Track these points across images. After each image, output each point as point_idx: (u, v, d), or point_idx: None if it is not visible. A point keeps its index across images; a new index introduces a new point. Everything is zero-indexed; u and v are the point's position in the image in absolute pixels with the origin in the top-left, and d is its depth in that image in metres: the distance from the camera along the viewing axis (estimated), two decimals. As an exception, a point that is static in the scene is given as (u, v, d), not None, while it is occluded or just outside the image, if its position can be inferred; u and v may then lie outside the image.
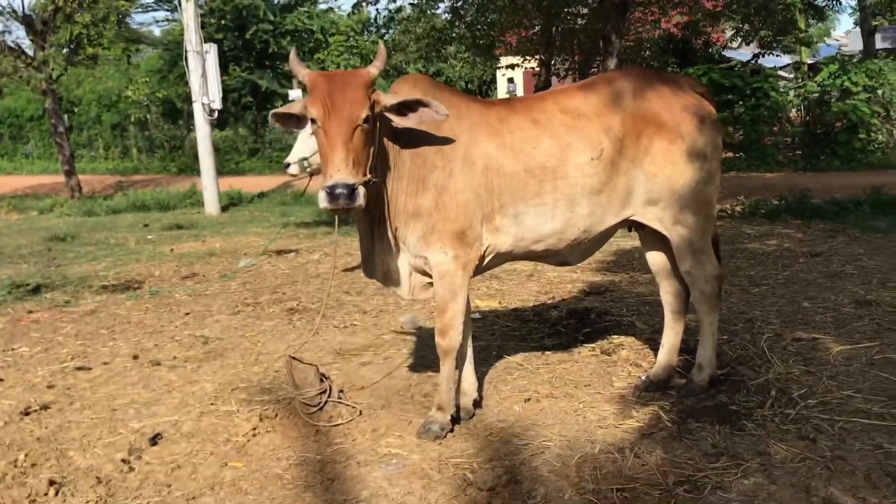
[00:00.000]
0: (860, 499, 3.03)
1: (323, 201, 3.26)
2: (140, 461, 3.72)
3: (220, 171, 18.98)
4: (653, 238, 4.26)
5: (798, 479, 3.23)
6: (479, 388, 4.31)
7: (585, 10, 19.03)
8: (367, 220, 3.73)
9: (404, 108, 3.49)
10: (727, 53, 23.76)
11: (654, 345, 4.77)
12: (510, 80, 32.25)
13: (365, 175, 3.35)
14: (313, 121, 3.37)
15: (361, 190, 3.27)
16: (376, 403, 4.33)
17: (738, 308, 5.83)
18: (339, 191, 3.21)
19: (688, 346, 4.70)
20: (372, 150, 3.43)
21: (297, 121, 3.56)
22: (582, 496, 3.20)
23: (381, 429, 4.00)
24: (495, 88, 34.63)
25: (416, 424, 3.99)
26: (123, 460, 3.70)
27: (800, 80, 18.74)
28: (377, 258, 3.81)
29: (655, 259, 4.37)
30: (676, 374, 4.43)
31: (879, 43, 23.09)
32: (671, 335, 4.40)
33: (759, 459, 3.42)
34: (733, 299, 6.10)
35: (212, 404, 4.42)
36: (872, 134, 16.70)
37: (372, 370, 4.90)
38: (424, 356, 5.03)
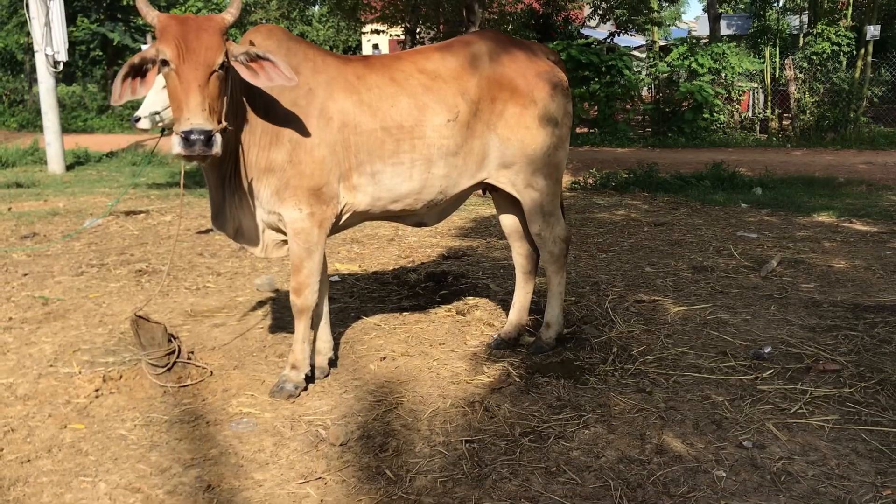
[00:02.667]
0: (688, 444, 3.26)
1: (177, 146, 3.12)
2: (-32, 426, 3.49)
3: (66, 128, 17.89)
4: (506, 201, 4.38)
5: (634, 428, 3.44)
6: (336, 348, 4.32)
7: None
8: (218, 174, 3.61)
9: (253, 61, 3.35)
10: (585, 31, 24.51)
11: (506, 306, 4.91)
12: (375, 47, 31.99)
13: (220, 122, 3.24)
14: (165, 62, 3.17)
15: (218, 137, 3.17)
16: (228, 364, 4.25)
17: (585, 272, 6.10)
18: (194, 136, 3.08)
19: (538, 307, 4.88)
20: (225, 99, 3.31)
21: (140, 74, 3.34)
22: (432, 448, 3.28)
23: (233, 389, 3.93)
24: (360, 54, 34.25)
25: (269, 384, 3.94)
26: (-51, 425, 3.46)
27: (651, 60, 19.62)
28: (228, 213, 3.70)
29: (508, 221, 4.50)
30: (526, 332, 4.59)
31: (724, 29, 24.48)
32: (521, 295, 4.56)
33: (600, 411, 3.61)
34: (582, 264, 6.37)
35: (51, 366, 4.19)
36: (715, 114, 17.76)
37: (225, 332, 4.79)
38: (280, 318, 4.97)
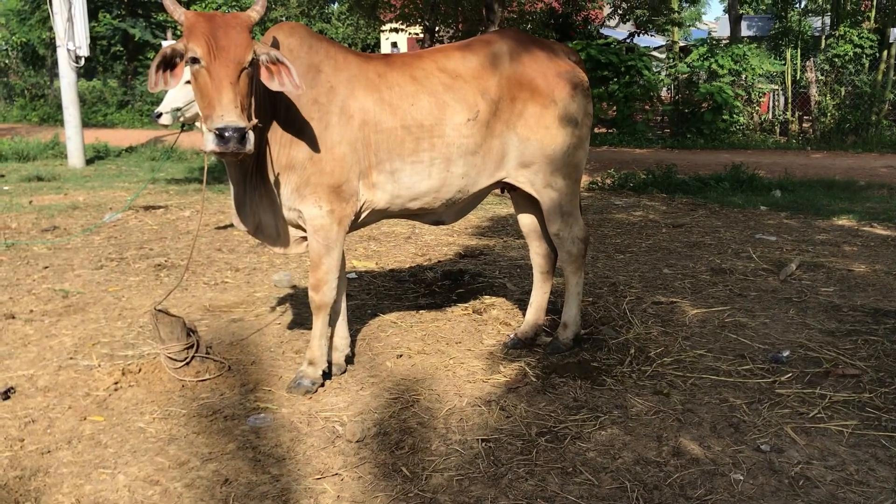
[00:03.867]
0: (706, 447, 3.25)
1: (211, 144, 3.12)
2: (-10, 416, 3.53)
3: (87, 122, 18.06)
4: (524, 201, 4.38)
5: (651, 430, 3.43)
6: (352, 345, 4.33)
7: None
8: (240, 170, 3.63)
9: (273, 63, 3.35)
10: (605, 31, 24.43)
11: (523, 305, 4.91)
12: (394, 45, 32.00)
13: (251, 119, 3.25)
14: (195, 60, 3.18)
15: (251, 134, 3.18)
16: (246, 359, 4.27)
17: (603, 273, 6.08)
18: (229, 133, 3.08)
19: (555, 307, 4.88)
20: (253, 98, 3.33)
21: (171, 66, 3.35)
22: (448, 446, 3.29)
23: (251, 384, 3.95)
24: (380, 53, 34.31)
25: (286, 380, 3.96)
26: (-29, 415, 3.50)
27: (671, 61, 19.53)
28: (249, 209, 3.72)
29: (526, 221, 4.50)
30: (543, 332, 4.58)
31: (745, 30, 24.35)
32: (539, 295, 4.55)
33: (617, 412, 3.60)
34: (599, 265, 6.36)
35: (71, 358, 4.23)
36: (735, 115, 17.65)
37: (242, 327, 4.82)
38: (298, 314, 4.99)
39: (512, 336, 4.55)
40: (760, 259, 6.43)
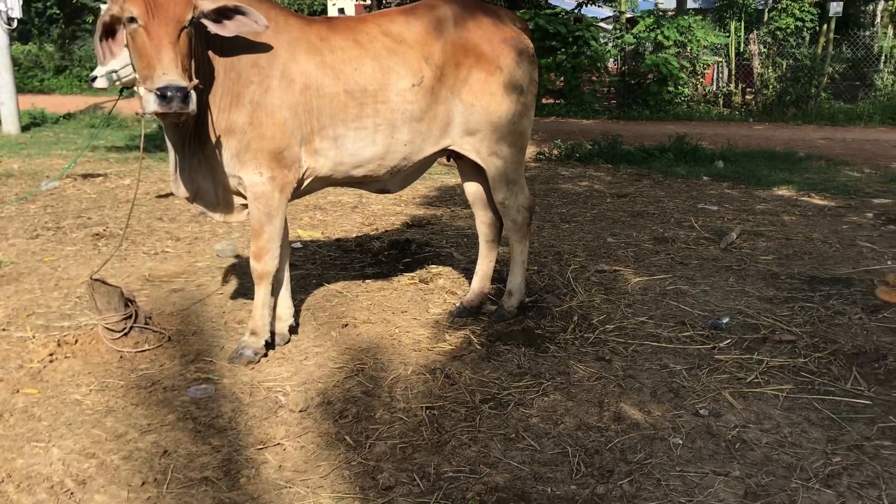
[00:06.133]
0: (646, 412, 3.30)
1: (152, 104, 3.04)
2: (-84, 390, 3.41)
3: (22, 88, 17.44)
4: (470, 169, 4.35)
5: (593, 395, 3.47)
6: (297, 315, 4.28)
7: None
8: (179, 135, 3.52)
9: (221, 15, 3.30)
10: (553, 1, 24.37)
11: (469, 274, 4.91)
12: (341, 11, 31.51)
13: (192, 80, 3.17)
14: (132, 20, 3.09)
15: (194, 95, 3.11)
16: (187, 330, 4.20)
17: (548, 242, 6.12)
18: (171, 93, 3.00)
19: (501, 276, 4.89)
20: (192, 59, 3.24)
21: (111, 35, 3.27)
22: (392, 414, 3.28)
23: (191, 355, 3.88)
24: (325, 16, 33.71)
25: (228, 350, 3.91)
26: None
27: (618, 32, 19.58)
28: (187, 175, 3.63)
29: (472, 189, 4.48)
30: (489, 300, 4.60)
31: (691, 2, 24.50)
32: (484, 263, 4.56)
33: (560, 378, 3.64)
34: (545, 234, 6.39)
35: (3, 330, 4.11)
36: (680, 87, 17.83)
37: (183, 297, 4.73)
38: (241, 284, 4.92)
39: (458, 304, 4.55)
40: (702, 228, 6.54)
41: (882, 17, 18.71)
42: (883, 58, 17.10)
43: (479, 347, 4.00)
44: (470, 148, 4.07)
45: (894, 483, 2.75)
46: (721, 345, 4.00)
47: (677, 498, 2.68)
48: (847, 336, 4.09)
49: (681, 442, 3.04)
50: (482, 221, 4.54)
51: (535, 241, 5.99)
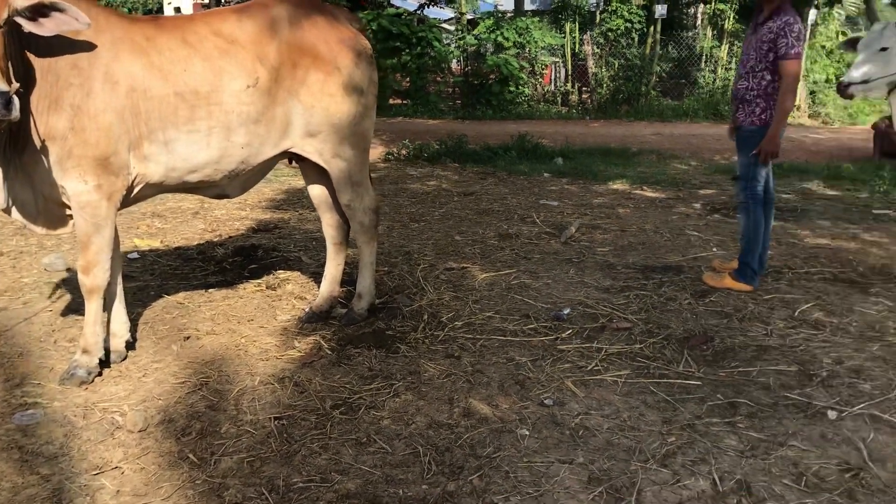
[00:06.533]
0: (494, 406, 3.37)
1: None
2: None
3: None
4: (313, 171, 4.29)
5: (443, 393, 3.50)
6: (134, 329, 4.07)
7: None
8: (-7, 142, 3.25)
9: (37, 12, 3.07)
10: (395, 2, 24.49)
11: (319, 278, 4.84)
12: (177, 10, 30.27)
13: (13, 83, 2.93)
14: None
15: (16, 100, 2.89)
16: (11, 351, 3.89)
17: (398, 242, 6.13)
18: None
19: (351, 278, 4.84)
20: (10, 61, 3.00)
21: None
22: (239, 428, 3.18)
23: (17, 378, 3.61)
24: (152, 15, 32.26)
25: (59, 371, 3.65)
26: None
27: (460, 33, 19.93)
28: (4, 185, 3.35)
29: (317, 192, 4.41)
30: (338, 304, 4.55)
31: (528, 4, 25.29)
32: (333, 267, 4.50)
33: (410, 378, 3.65)
34: (394, 234, 6.40)
35: None
36: (521, 87, 18.37)
37: (8, 316, 4.38)
38: (72, 300, 4.61)
39: (307, 310, 4.47)
40: (543, 223, 6.75)
41: (702, 20, 20.01)
42: (704, 57, 18.32)
43: (329, 352, 3.94)
44: (312, 150, 4.01)
45: (723, 458, 2.94)
46: (563, 335, 4.14)
47: (525, 489, 2.75)
48: (678, 321, 4.35)
49: (527, 433, 3.12)
50: (329, 224, 4.48)
51: (384, 242, 5.99)
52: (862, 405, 3.32)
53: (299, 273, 5.29)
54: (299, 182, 8.48)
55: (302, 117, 3.89)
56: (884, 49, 5.13)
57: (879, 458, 2.92)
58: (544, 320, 4.36)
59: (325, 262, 4.59)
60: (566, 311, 4.46)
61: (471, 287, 4.97)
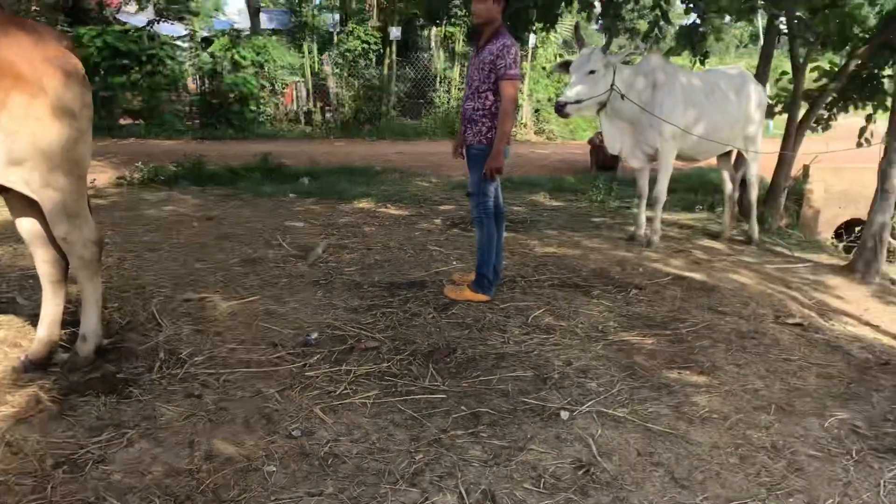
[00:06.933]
0: (239, 444, 3.20)
1: None
2: None
3: None
4: (21, 203, 3.84)
5: (183, 436, 3.27)
6: None
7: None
8: None
9: None
10: (123, 17, 23.06)
11: (37, 321, 4.35)
12: None
13: None
14: None
15: None
16: None
17: (130, 274, 5.70)
18: None
19: (76, 318, 4.40)
20: None
21: None
22: (-65, 505, 2.74)
23: None
24: None
25: None
26: None
27: (195, 51, 19.18)
28: None
29: (27, 226, 3.96)
30: (60, 348, 4.11)
31: (266, 23, 24.95)
32: (51, 307, 4.06)
33: (145, 424, 3.37)
34: (127, 266, 5.94)
35: None
36: (262, 106, 18.06)
37: None
38: None
39: (22, 358, 3.99)
40: (290, 245, 6.63)
41: (436, 42, 20.90)
42: (438, 78, 19.14)
43: (49, 405, 3.54)
44: (17, 179, 3.59)
45: (468, 470, 3.02)
46: (311, 361, 4.06)
47: (274, 529, 2.63)
48: (423, 335, 4.43)
49: (275, 469, 3.00)
50: (43, 260, 4.04)
51: (114, 276, 5.54)
52: (590, 403, 3.58)
53: (13, 316, 4.73)
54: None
55: (4, 144, 3.47)
56: (592, 72, 5.63)
57: (606, 452, 3.16)
58: (291, 347, 4.25)
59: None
60: (314, 336, 4.38)
61: (212, 318, 4.72)
